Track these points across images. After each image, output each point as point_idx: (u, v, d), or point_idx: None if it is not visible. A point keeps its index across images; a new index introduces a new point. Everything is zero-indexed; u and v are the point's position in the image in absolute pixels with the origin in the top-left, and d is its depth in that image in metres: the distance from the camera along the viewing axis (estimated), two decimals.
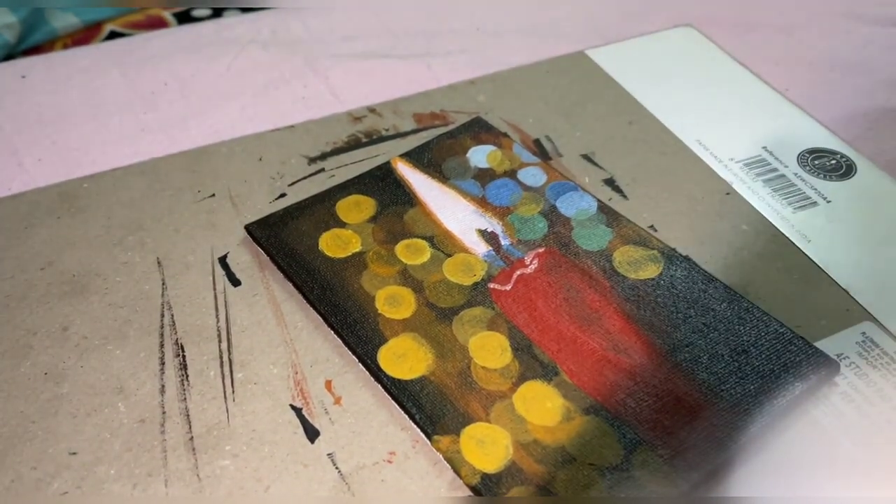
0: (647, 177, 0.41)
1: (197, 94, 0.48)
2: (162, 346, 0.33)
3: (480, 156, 0.41)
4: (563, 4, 0.55)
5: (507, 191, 0.40)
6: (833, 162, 0.42)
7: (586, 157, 0.42)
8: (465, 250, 0.37)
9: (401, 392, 0.31)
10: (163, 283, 0.36)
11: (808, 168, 0.42)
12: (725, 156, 0.43)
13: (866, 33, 0.53)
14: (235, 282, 0.36)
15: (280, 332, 0.34)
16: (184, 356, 0.33)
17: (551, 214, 0.38)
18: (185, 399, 0.32)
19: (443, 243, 0.37)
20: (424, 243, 0.37)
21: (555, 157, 0.42)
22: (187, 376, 0.32)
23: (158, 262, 0.37)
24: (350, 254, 0.36)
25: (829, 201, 0.40)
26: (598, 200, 0.39)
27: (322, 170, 0.42)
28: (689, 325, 0.33)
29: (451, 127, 0.44)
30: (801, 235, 0.38)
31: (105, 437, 0.30)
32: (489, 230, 0.38)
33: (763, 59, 0.50)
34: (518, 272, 0.36)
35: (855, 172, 0.42)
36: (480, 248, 0.37)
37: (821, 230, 0.38)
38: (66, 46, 0.56)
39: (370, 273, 0.35)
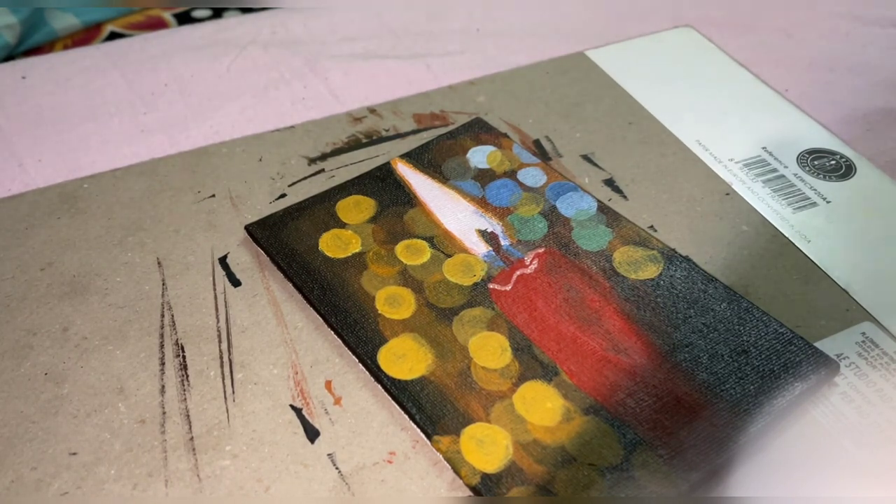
0: (647, 177, 0.41)
1: (197, 94, 0.48)
2: (162, 346, 0.33)
3: (480, 156, 0.41)
4: (563, 4, 0.55)
5: (506, 191, 0.40)
6: (833, 162, 0.42)
7: (586, 158, 0.42)
8: (465, 251, 0.37)
9: (401, 392, 0.31)
10: (163, 284, 0.36)
11: (807, 168, 0.42)
12: (725, 156, 0.43)
13: (866, 34, 0.53)
14: (235, 282, 0.36)
15: (280, 333, 0.34)
16: (184, 356, 0.33)
17: (551, 215, 0.38)
18: (185, 399, 0.32)
19: (443, 244, 0.37)
20: (424, 244, 0.37)
21: (554, 158, 0.42)
22: (187, 377, 0.32)
23: (158, 263, 0.37)
24: (350, 254, 0.36)
25: (828, 201, 0.40)
26: (598, 201, 0.39)
27: (322, 170, 0.42)
28: (689, 326, 0.33)
29: (450, 127, 0.44)
30: (800, 236, 0.38)
31: (105, 437, 0.30)
32: (489, 230, 0.38)
33: (763, 59, 0.50)
34: (518, 272, 0.36)
35: (854, 173, 0.42)
36: (480, 248, 0.37)
37: (821, 230, 0.38)
38: (66, 47, 0.56)
39: (370, 273, 0.35)
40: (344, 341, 0.33)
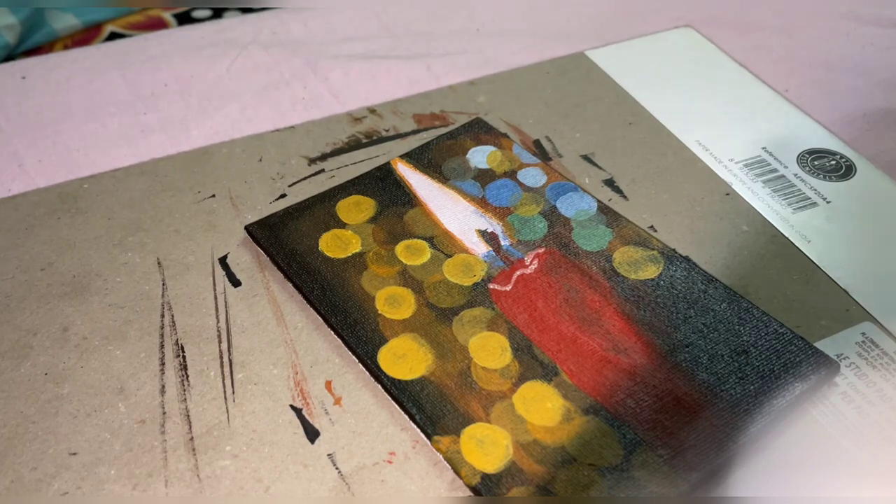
0: (647, 177, 0.41)
1: (197, 94, 0.48)
2: (162, 346, 0.33)
3: (480, 156, 0.41)
4: (563, 5, 0.55)
5: (507, 191, 0.40)
6: (833, 162, 0.42)
7: (586, 158, 0.42)
8: (465, 251, 0.37)
9: (401, 392, 0.31)
10: (163, 284, 0.36)
11: (807, 168, 0.42)
12: (725, 156, 0.43)
13: (866, 34, 0.53)
14: (236, 282, 0.36)
15: (280, 333, 0.34)
16: (184, 356, 0.33)
17: (551, 215, 0.38)
18: (185, 399, 0.32)
19: (443, 244, 0.37)
20: (424, 244, 0.37)
21: (555, 158, 0.42)
22: (187, 377, 0.32)
23: (158, 263, 0.37)
24: (350, 254, 0.36)
25: (828, 202, 0.40)
26: (598, 201, 0.39)
27: (322, 170, 0.42)
28: (689, 326, 0.33)
29: (451, 128, 0.44)
30: (800, 236, 0.38)
31: (105, 437, 0.30)
32: (489, 230, 0.38)
33: (763, 59, 0.50)
34: (518, 272, 0.36)
35: (854, 173, 0.42)
36: (480, 248, 0.37)
37: (821, 230, 0.38)
38: (66, 47, 0.56)
39: (370, 273, 0.35)
40: (344, 341, 0.33)
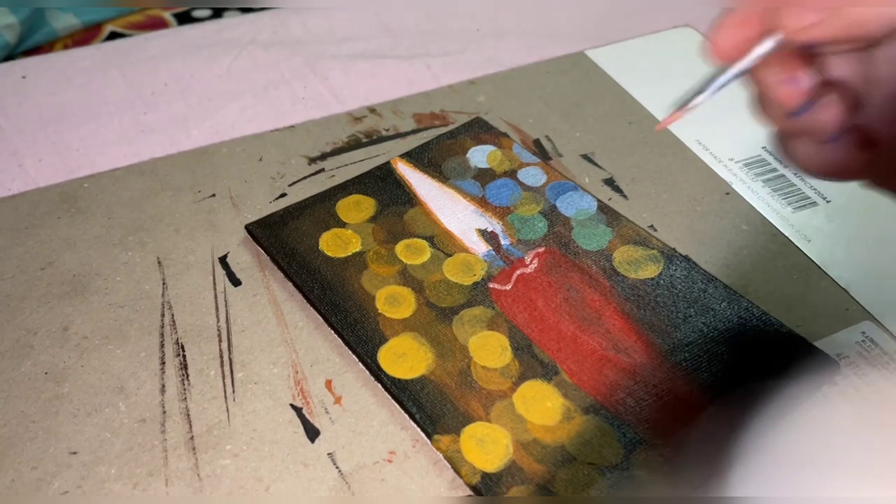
0: (647, 177, 0.41)
1: (197, 94, 0.48)
2: (162, 345, 0.33)
3: (480, 156, 0.41)
4: (563, 5, 0.55)
5: (507, 191, 0.40)
6: None
7: (586, 157, 0.42)
8: (465, 250, 0.37)
9: (401, 392, 0.31)
10: (163, 283, 0.36)
11: None
12: (725, 156, 0.43)
13: None
14: (236, 282, 0.36)
15: (280, 332, 0.34)
16: (184, 356, 0.33)
17: (551, 214, 0.38)
18: (185, 399, 0.32)
19: (443, 243, 0.37)
20: (424, 243, 0.37)
21: (554, 157, 0.42)
22: (188, 376, 0.32)
23: (159, 262, 0.37)
24: (350, 254, 0.36)
25: (828, 201, 0.40)
26: (598, 200, 0.39)
27: (322, 170, 0.42)
28: (689, 325, 0.33)
29: (451, 127, 0.44)
30: (800, 235, 0.38)
31: (105, 436, 0.30)
32: (489, 230, 0.38)
33: None
34: (518, 272, 0.36)
35: None
36: (480, 247, 0.37)
37: (821, 230, 0.39)
38: (66, 47, 0.56)
39: (370, 273, 0.35)
40: (344, 341, 0.33)
